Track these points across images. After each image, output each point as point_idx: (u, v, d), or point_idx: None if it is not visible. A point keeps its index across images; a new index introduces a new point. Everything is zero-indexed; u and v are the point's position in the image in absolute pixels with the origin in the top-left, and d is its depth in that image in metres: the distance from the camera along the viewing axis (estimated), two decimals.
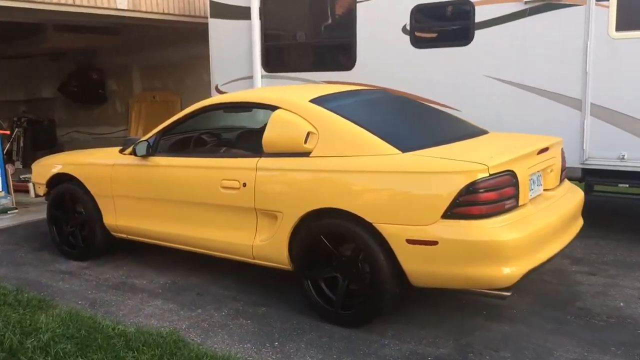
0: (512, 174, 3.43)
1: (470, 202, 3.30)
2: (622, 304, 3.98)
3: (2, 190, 7.33)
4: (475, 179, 3.29)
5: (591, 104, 5.16)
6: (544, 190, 3.92)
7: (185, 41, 9.80)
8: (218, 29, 7.43)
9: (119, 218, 4.91)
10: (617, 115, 5.06)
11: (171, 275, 4.80)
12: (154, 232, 4.69)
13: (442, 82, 5.83)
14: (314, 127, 3.88)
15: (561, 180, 4.16)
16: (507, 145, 3.92)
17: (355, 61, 6.35)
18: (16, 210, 7.28)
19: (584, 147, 5.23)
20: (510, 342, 3.49)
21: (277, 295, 4.28)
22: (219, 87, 7.42)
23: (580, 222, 4.15)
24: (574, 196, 4.10)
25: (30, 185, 5.87)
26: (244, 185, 4.06)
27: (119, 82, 11.55)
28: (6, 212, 7.18)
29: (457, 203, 3.31)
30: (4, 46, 10.95)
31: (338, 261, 3.77)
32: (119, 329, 3.69)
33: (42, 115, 12.24)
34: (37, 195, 5.72)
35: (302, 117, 3.94)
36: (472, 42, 5.65)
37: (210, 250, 4.40)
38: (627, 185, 5.17)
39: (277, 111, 4.06)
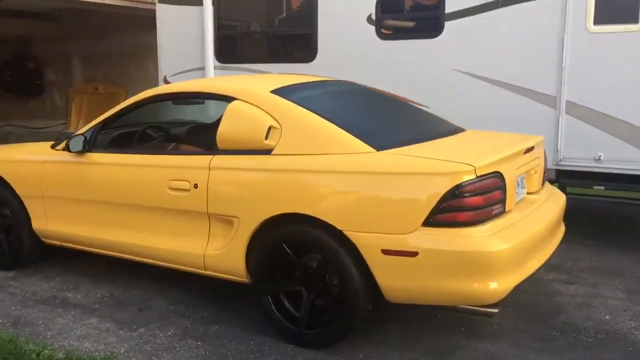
0: (499, 176, 3.06)
1: (454, 208, 2.90)
2: (607, 317, 3.69)
3: None
4: (461, 181, 2.89)
5: (566, 101, 4.88)
6: (527, 193, 3.58)
7: (130, 29, 9.15)
8: (167, 15, 6.87)
9: (49, 222, 4.31)
10: (593, 113, 4.79)
11: (110, 287, 4.23)
12: (90, 239, 4.12)
13: (409, 76, 5.46)
14: (276, 121, 3.41)
15: (543, 182, 3.83)
16: (490, 144, 3.56)
17: (316, 53, 5.91)
18: None
19: (559, 147, 4.95)
20: None
21: (232, 312, 3.80)
22: (167, 78, 6.86)
23: (562, 229, 3.84)
24: (557, 200, 3.77)
25: None
26: (195, 186, 3.55)
27: (57, 72, 10.75)
28: None
29: (440, 209, 2.91)
30: None
31: (302, 273, 3.32)
32: (44, 354, 3.14)
33: None
34: None
35: (262, 109, 3.47)
36: (441, 34, 5.30)
37: (156, 260, 3.87)
38: (603, 188, 4.92)
39: (234, 102, 3.57)
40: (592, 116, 4.80)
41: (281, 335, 3.37)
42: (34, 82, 10.75)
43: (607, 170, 4.81)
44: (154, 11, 7.05)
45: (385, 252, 3.00)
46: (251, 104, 3.51)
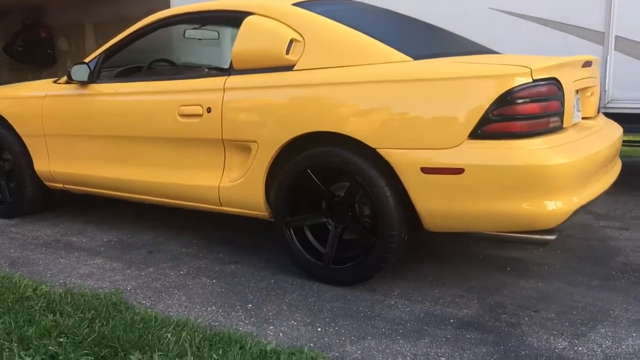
0: (557, 83, 2.65)
1: (507, 117, 2.50)
2: None
3: None
4: (515, 85, 2.49)
5: (616, 36, 4.42)
6: (582, 118, 3.16)
7: None
8: None
9: (52, 163, 3.98)
10: None
11: (119, 232, 3.90)
12: (95, 179, 3.78)
13: (441, 15, 5.02)
14: (299, 33, 3.03)
15: (598, 110, 3.41)
16: (540, 55, 3.14)
17: None
18: None
19: (607, 88, 4.49)
20: (550, 301, 2.73)
21: (250, 252, 3.44)
22: None
23: (620, 163, 3.41)
24: (614, 129, 3.34)
25: None
26: (209, 110, 3.19)
27: (70, 41, 10.45)
28: None
29: (489, 118, 2.51)
30: None
31: (329, 203, 2.95)
32: (41, 289, 2.80)
33: None
34: None
35: (283, 22, 3.09)
36: None
37: (166, 198, 3.51)
38: None
39: (251, 17, 3.19)
40: None
41: (305, 273, 3.01)
42: (46, 51, 10.47)
43: None
44: None
45: (426, 170, 2.61)
46: (271, 17, 3.13)
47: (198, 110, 3.22)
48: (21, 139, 4.09)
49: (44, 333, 2.29)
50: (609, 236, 3.69)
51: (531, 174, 2.46)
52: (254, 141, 3.05)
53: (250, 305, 2.72)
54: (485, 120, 2.51)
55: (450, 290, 2.87)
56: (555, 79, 2.63)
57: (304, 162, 2.93)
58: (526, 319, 2.55)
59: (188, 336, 2.29)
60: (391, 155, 2.67)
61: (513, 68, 2.52)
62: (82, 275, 3.13)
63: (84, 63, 3.70)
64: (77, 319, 2.42)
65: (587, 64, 3.03)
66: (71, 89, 3.80)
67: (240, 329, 2.48)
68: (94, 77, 3.73)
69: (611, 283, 2.93)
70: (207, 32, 4.20)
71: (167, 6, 7.15)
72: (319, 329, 2.48)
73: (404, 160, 2.64)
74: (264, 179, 3.07)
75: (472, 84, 2.54)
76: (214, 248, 3.53)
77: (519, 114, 2.51)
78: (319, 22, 3.04)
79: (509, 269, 3.14)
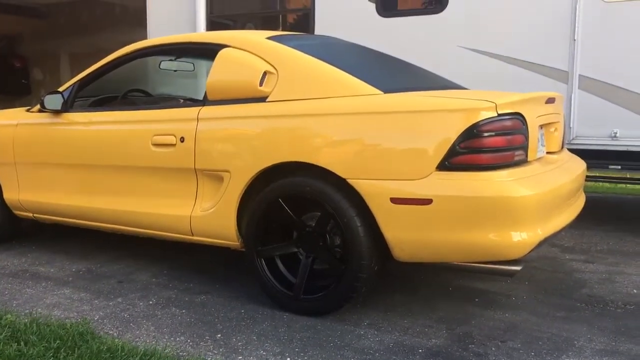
0: (522, 118, 2.74)
1: (473, 149, 2.58)
2: (635, 291, 3.35)
3: None
4: (481, 118, 2.57)
5: (579, 75, 4.59)
6: (547, 152, 3.26)
7: (120, 25, 8.87)
8: (157, 4, 6.59)
9: (22, 192, 3.95)
10: (608, 87, 4.51)
11: (88, 262, 3.85)
12: (66, 208, 3.74)
13: (411, 54, 5.16)
14: (272, 66, 3.10)
15: (563, 145, 3.52)
16: (506, 93, 3.25)
17: (313, 32, 5.63)
18: None
19: (571, 125, 4.65)
20: (517, 331, 2.77)
21: (220, 282, 3.43)
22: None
23: (583, 197, 3.51)
24: (578, 163, 3.45)
25: None
26: (182, 140, 3.21)
27: (45, 71, 10.43)
28: None
29: (456, 150, 2.58)
30: None
31: (300, 233, 2.97)
32: (6, 318, 2.75)
33: None
34: None
35: (256, 55, 3.16)
36: (446, 9, 5.04)
37: (138, 228, 3.50)
38: (620, 167, 4.61)
39: (226, 49, 3.25)
40: (607, 90, 4.51)
41: (276, 303, 3.01)
42: (20, 81, 10.41)
43: (624, 148, 4.50)
44: (144, 5, 6.77)
45: (395, 200, 2.66)
46: (245, 50, 3.20)
47: (171, 139, 3.24)
48: None
49: None
50: (575, 269, 3.76)
51: (497, 205, 2.53)
52: (227, 171, 3.08)
53: (219, 335, 2.70)
54: (452, 152, 2.58)
55: (419, 320, 2.90)
56: (519, 113, 2.72)
57: (275, 191, 2.96)
58: (493, 349, 2.59)
59: None
60: (361, 185, 2.71)
61: (479, 102, 2.61)
62: (49, 305, 3.08)
63: (58, 92, 3.71)
64: (42, 348, 2.38)
65: (551, 100, 3.14)
66: (44, 117, 3.80)
67: (209, 359, 2.46)
68: (68, 106, 3.74)
69: (576, 314, 2.98)
70: (183, 64, 4.26)
71: (144, 37, 7.22)
72: (289, 359, 2.47)
73: (374, 190, 2.69)
74: (236, 208, 3.08)
75: (440, 117, 2.62)
76: (184, 278, 3.51)
77: (484, 146, 2.58)
78: (292, 55, 3.11)
79: (477, 299, 3.18)
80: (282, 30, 6.14)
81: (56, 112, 3.74)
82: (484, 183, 2.55)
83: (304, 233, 2.96)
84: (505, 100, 2.65)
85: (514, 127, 2.67)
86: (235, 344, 2.61)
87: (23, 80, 10.47)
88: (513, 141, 2.67)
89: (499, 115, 2.61)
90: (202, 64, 4.71)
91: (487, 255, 2.62)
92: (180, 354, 2.50)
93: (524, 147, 2.76)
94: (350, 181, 2.74)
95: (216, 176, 3.14)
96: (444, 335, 2.73)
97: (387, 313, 2.98)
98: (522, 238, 2.56)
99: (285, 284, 3.00)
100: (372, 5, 5.33)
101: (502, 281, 3.44)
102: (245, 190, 3.05)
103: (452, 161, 2.59)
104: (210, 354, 2.52)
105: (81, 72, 3.84)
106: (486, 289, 3.34)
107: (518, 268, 2.66)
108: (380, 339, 2.67)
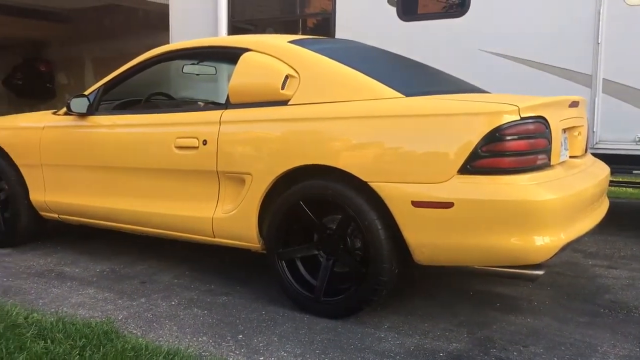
0: (545, 122, 2.73)
1: (495, 153, 2.57)
2: None
3: None
4: (503, 122, 2.57)
5: (603, 79, 4.55)
6: (570, 157, 3.24)
7: (143, 29, 8.99)
8: (179, 8, 6.67)
9: (48, 193, 4.02)
10: (633, 91, 4.46)
11: (112, 263, 3.91)
12: (91, 209, 3.81)
13: (433, 58, 5.16)
14: (294, 69, 3.12)
15: (586, 149, 3.49)
16: (529, 96, 3.23)
17: (334, 36, 5.66)
18: None
19: (595, 129, 4.60)
20: (539, 336, 2.75)
21: (242, 284, 3.46)
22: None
23: (607, 202, 3.47)
24: (601, 168, 3.42)
25: None
26: (204, 143, 3.25)
27: (69, 75, 10.61)
28: None
29: (478, 154, 2.58)
30: None
31: (321, 235, 2.99)
32: (32, 317, 2.81)
33: None
34: None
35: (278, 59, 3.18)
36: (468, 12, 5.02)
37: (160, 229, 3.54)
38: None
39: (248, 53, 3.29)
40: (631, 94, 4.46)
41: (297, 305, 3.03)
42: (45, 85, 10.60)
43: None
44: (165, 10, 6.86)
45: (416, 204, 2.66)
46: (267, 53, 3.23)
47: (194, 142, 3.28)
48: (18, 169, 4.13)
49: (34, 359, 2.29)
50: (598, 274, 3.72)
51: (519, 209, 2.52)
52: (249, 173, 3.11)
53: (241, 336, 2.73)
54: (474, 156, 2.58)
55: (440, 324, 2.89)
56: (542, 117, 2.71)
57: (297, 194, 2.98)
58: (515, 353, 2.57)
59: None
60: (383, 188, 2.72)
61: (502, 106, 2.61)
62: (74, 305, 3.13)
63: (84, 95, 3.77)
64: (68, 346, 2.43)
65: (574, 104, 3.12)
66: (70, 120, 3.87)
67: (231, 359, 2.49)
68: (93, 109, 3.80)
69: (599, 320, 2.95)
70: (205, 68, 4.31)
71: (166, 42, 7.30)
72: None
73: (395, 193, 2.70)
74: (257, 210, 3.11)
75: (462, 121, 2.62)
76: (206, 279, 3.55)
77: (507, 150, 2.58)
78: (314, 59, 3.13)
79: (498, 304, 3.17)
80: (303, 34, 6.18)
81: (82, 115, 3.81)
82: (507, 187, 2.55)
83: (325, 236, 2.98)
84: (528, 104, 2.65)
85: (537, 131, 2.66)
86: (256, 345, 2.63)
87: (48, 84, 10.67)
88: (536, 145, 2.66)
89: (522, 118, 2.60)
90: (224, 67, 4.76)
91: (509, 259, 2.61)
92: (203, 354, 2.53)
93: (547, 151, 2.75)
94: (371, 184, 2.75)
95: (238, 179, 3.17)
96: (465, 339, 2.72)
97: (408, 316, 2.98)
98: (544, 242, 2.55)
99: (305, 286, 3.02)
100: (393, 9, 5.33)
101: (524, 286, 3.42)
102: (267, 193, 3.07)
103: (474, 165, 2.59)
104: (232, 354, 2.54)
105: (105, 76, 3.91)
106: (507, 293, 3.33)
107: (540, 273, 2.64)
108: (401, 342, 2.67)
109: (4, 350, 2.38)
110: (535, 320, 2.95)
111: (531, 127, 2.64)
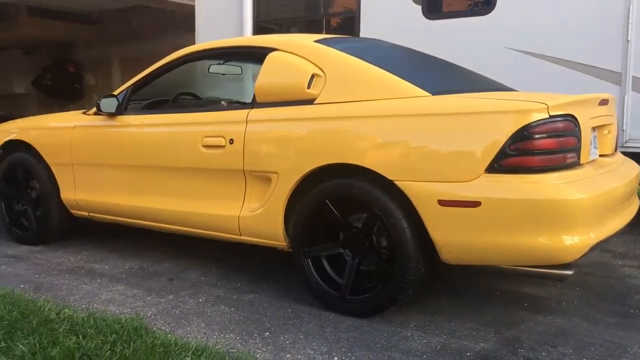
0: (574, 120, 2.70)
1: (524, 151, 2.55)
2: None
3: None
4: (532, 120, 2.55)
5: (633, 77, 4.48)
6: (600, 155, 3.19)
7: (169, 30, 9.09)
8: (205, 9, 6.73)
9: (78, 192, 4.10)
10: None
11: (140, 260, 3.97)
12: (119, 207, 3.87)
13: (458, 56, 5.13)
14: (320, 69, 3.14)
15: (616, 148, 3.44)
16: (557, 94, 3.20)
17: (358, 35, 5.65)
18: None
19: (624, 127, 4.53)
20: (568, 337, 2.72)
21: (268, 282, 3.49)
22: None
23: (637, 202, 3.41)
24: (631, 167, 3.36)
25: None
26: (231, 142, 3.28)
27: (97, 76, 10.78)
28: None
29: (506, 152, 2.56)
30: None
31: (347, 234, 3.00)
32: (64, 313, 2.86)
33: (12, 111, 11.37)
34: None
35: (304, 58, 3.20)
36: (494, 10, 4.98)
37: (188, 227, 3.58)
38: None
39: (274, 52, 3.31)
40: None
41: (322, 303, 3.04)
42: (74, 86, 10.80)
43: None
44: (193, 10, 6.92)
45: (442, 203, 2.65)
46: (293, 53, 3.25)
47: (221, 141, 3.32)
48: (49, 168, 4.21)
49: (67, 354, 2.35)
50: (628, 275, 3.66)
51: (548, 208, 2.50)
52: (275, 172, 3.13)
53: (267, 334, 2.75)
54: (502, 154, 2.56)
55: (466, 323, 2.88)
56: (572, 115, 2.68)
57: (323, 193, 2.99)
58: (544, 354, 2.55)
59: None
60: (409, 187, 2.72)
61: (530, 104, 2.59)
62: (104, 301, 3.19)
63: (113, 95, 3.84)
64: (99, 341, 2.47)
65: (604, 102, 3.08)
66: (99, 120, 3.94)
67: (258, 356, 2.51)
68: (122, 109, 3.86)
69: (629, 321, 2.91)
70: (231, 68, 4.34)
71: (192, 42, 7.36)
72: (336, 359, 2.50)
73: (422, 192, 2.69)
74: (283, 209, 3.13)
75: (490, 119, 2.61)
76: (232, 277, 3.58)
77: (536, 149, 2.56)
78: (339, 58, 3.14)
79: (526, 304, 3.14)
80: (327, 33, 6.19)
81: (111, 115, 3.87)
82: (535, 185, 2.52)
83: (351, 234, 2.98)
84: (557, 102, 2.62)
85: (566, 129, 2.63)
86: (283, 342, 2.65)
87: (76, 85, 10.86)
88: (565, 143, 2.63)
89: (551, 116, 2.57)
90: (250, 67, 4.80)
91: (538, 259, 2.58)
92: (230, 350, 2.56)
93: (577, 150, 2.72)
94: (397, 183, 2.75)
95: (264, 177, 3.20)
96: (492, 339, 2.70)
97: (434, 315, 2.97)
98: (574, 242, 2.52)
99: (331, 284, 3.03)
100: (418, 8, 5.31)
101: (552, 286, 3.38)
102: (293, 192, 3.09)
103: (501, 163, 2.57)
104: (259, 351, 2.56)
105: (132, 76, 3.97)
106: (535, 293, 3.29)
107: (569, 273, 2.61)
108: (427, 341, 2.67)
109: (37, 345, 2.44)
110: (564, 320, 2.92)
111: (560, 125, 2.61)
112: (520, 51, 4.91)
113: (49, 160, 4.20)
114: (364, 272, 2.99)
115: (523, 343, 2.65)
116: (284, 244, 3.20)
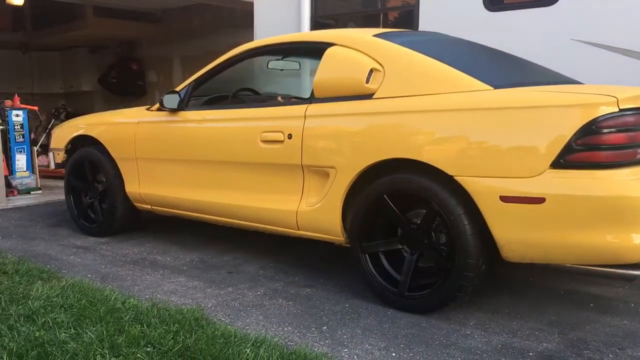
0: None
1: (591, 146, 2.46)
2: None
3: (27, 170, 6.82)
4: (600, 114, 2.45)
5: None
6: None
7: (227, 28, 9.24)
8: (264, 5, 6.80)
9: (142, 185, 4.23)
10: None
11: (200, 253, 4.07)
12: (180, 201, 3.97)
13: (521, 49, 4.99)
14: (379, 63, 3.11)
15: None
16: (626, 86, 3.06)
17: (417, 28, 5.58)
18: (40, 191, 6.77)
19: None
20: (637, 339, 2.61)
21: (325, 276, 3.50)
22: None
23: None
24: None
25: (50, 155, 5.31)
26: (289, 137, 3.31)
27: (159, 73, 11.05)
28: (29, 193, 6.68)
29: (572, 147, 2.47)
30: (41, 34, 10.64)
31: (405, 229, 2.97)
32: (129, 302, 2.96)
33: (79, 108, 11.83)
34: (57, 165, 5.10)
35: (363, 52, 3.18)
36: (559, 1, 4.81)
37: (247, 221, 3.64)
38: None
39: (333, 47, 3.31)
40: None
41: (380, 299, 3.03)
42: (137, 83, 11.12)
43: None
44: (251, 7, 7.00)
45: (505, 199, 2.59)
46: (352, 47, 3.24)
47: (279, 136, 3.35)
48: (115, 163, 4.36)
49: (132, 342, 2.43)
50: None
51: (617, 205, 2.40)
52: (333, 167, 3.13)
53: (325, 328, 2.76)
54: (568, 149, 2.48)
55: (528, 323, 2.81)
56: None
57: (381, 188, 2.98)
58: (611, 356, 2.46)
59: (266, 353, 2.36)
60: (469, 183, 2.67)
61: (598, 97, 2.49)
62: (167, 292, 3.28)
63: (175, 92, 3.93)
64: (162, 330, 2.55)
65: None
66: (162, 115, 4.04)
67: (316, 349, 2.53)
68: (184, 104, 3.95)
69: None
70: (289, 63, 4.37)
71: (247, 40, 7.46)
72: (394, 354, 2.49)
73: (483, 188, 2.64)
74: (341, 204, 3.13)
75: (555, 113, 2.52)
76: (290, 271, 3.61)
77: (604, 143, 2.46)
78: (398, 52, 3.11)
79: (592, 305, 3.03)
80: (385, 27, 6.14)
81: (173, 111, 3.97)
82: (603, 182, 2.43)
83: (409, 230, 2.96)
84: (627, 95, 2.51)
85: (636, 123, 2.52)
86: (340, 337, 2.66)
87: (139, 82, 11.17)
88: (636, 138, 2.51)
89: (621, 110, 2.47)
90: (308, 62, 4.82)
91: (604, 258, 2.49)
92: (288, 343, 2.58)
93: None
94: (457, 179, 2.70)
95: (322, 172, 3.21)
96: (556, 339, 2.63)
97: (494, 314, 2.91)
98: None
99: (389, 280, 3.02)
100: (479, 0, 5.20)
101: (620, 287, 3.26)
102: (351, 187, 3.09)
103: (567, 159, 2.48)
104: (316, 345, 2.58)
105: (192, 73, 4.06)
106: (601, 294, 3.18)
107: (638, 273, 2.50)
108: (488, 340, 2.62)
109: (104, 332, 2.53)
110: (632, 322, 2.80)
111: (631, 119, 2.50)
112: (587, 42, 4.73)
113: (114, 155, 4.36)
114: (421, 269, 2.96)
115: (589, 344, 2.56)
116: (342, 239, 3.20)
